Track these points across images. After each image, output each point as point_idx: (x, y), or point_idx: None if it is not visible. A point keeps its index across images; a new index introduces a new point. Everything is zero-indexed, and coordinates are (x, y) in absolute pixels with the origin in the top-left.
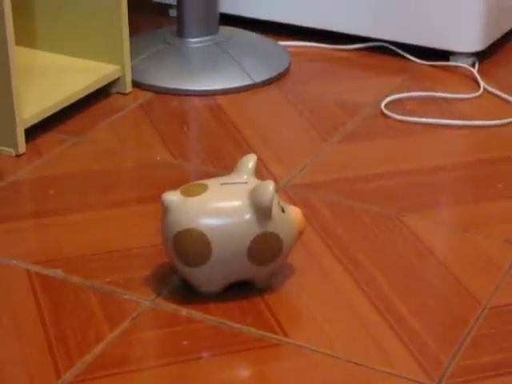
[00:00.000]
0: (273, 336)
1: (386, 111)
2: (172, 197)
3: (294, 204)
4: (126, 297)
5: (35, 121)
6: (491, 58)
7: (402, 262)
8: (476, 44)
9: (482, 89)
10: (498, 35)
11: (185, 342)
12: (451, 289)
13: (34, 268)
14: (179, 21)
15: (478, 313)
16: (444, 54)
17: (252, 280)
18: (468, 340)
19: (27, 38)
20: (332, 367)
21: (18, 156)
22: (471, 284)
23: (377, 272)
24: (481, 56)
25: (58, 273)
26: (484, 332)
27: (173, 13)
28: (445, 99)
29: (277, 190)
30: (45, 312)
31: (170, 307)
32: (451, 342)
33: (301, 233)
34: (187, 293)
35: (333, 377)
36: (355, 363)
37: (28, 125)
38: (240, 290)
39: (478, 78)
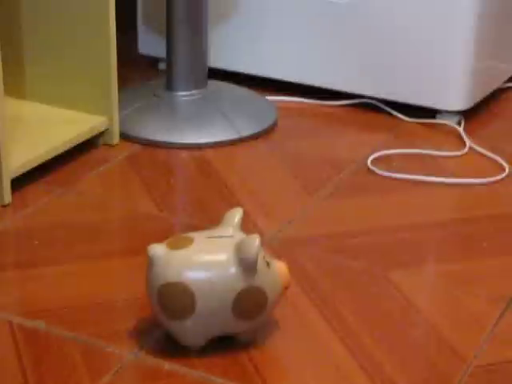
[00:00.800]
0: None
1: (372, 167)
2: (157, 249)
3: (280, 259)
4: (109, 349)
5: (22, 171)
6: (477, 116)
7: (387, 319)
8: (462, 103)
9: (467, 147)
10: (484, 94)
11: None
12: (436, 346)
13: (17, 319)
14: (168, 74)
15: (462, 371)
16: (430, 112)
17: (236, 334)
18: None
19: (15, 89)
20: None
21: (3, 206)
22: (456, 342)
23: (362, 328)
24: (467, 114)
25: (40, 324)
26: None
27: (162, 66)
28: (431, 157)
29: (262, 244)
30: (26, 363)
31: (153, 361)
32: None
33: (286, 288)
34: (170, 346)
35: None
36: None
37: (14, 175)
38: (224, 344)
39: (464, 136)
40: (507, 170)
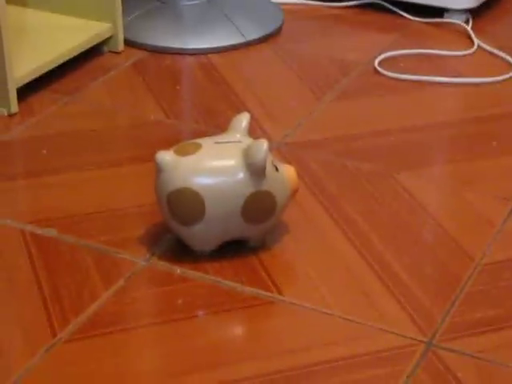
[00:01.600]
0: (267, 294)
1: (379, 69)
2: (165, 156)
3: (288, 163)
4: (121, 256)
5: (27, 80)
6: (485, 15)
7: (396, 220)
8: (470, 0)
9: (475, 46)
10: None
11: (179, 301)
12: (444, 246)
13: (28, 227)
14: None
15: (471, 269)
16: (438, 11)
17: (246, 238)
18: (461, 296)
19: None
20: (326, 324)
21: (10, 115)
22: (464, 241)
23: (370, 229)
24: (475, 13)
25: (52, 232)
26: (477, 288)
27: None
28: (439, 56)
29: (270, 149)
30: (39, 271)
31: (165, 266)
32: (444, 298)
33: (295, 191)
34: (181, 252)
35: (326, 334)
36: (349, 320)
37: (20, 84)
38: (234, 248)
39: (472, 35)
40: None
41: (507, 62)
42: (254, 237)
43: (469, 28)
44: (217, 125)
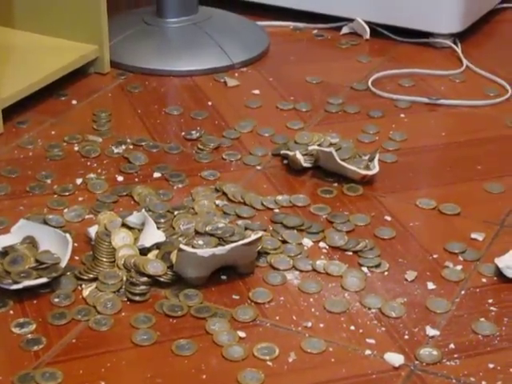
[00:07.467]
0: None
1: (369, 90)
2: None
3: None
4: None
5: (13, 101)
6: (471, 39)
7: (380, 244)
8: (456, 25)
9: (464, 67)
10: (477, 16)
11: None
12: (429, 270)
13: None
14: (158, 1)
15: (455, 294)
16: (424, 35)
17: (236, 266)
18: (445, 321)
19: (4, 18)
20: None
21: None
22: (450, 265)
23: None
24: (460, 37)
25: None
26: (461, 313)
27: None
28: (426, 78)
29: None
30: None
31: (152, 288)
32: (429, 322)
33: None
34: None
35: (310, 357)
36: (333, 343)
37: (6, 105)
38: (223, 273)
39: (461, 56)
40: (510, 92)
41: (495, 86)
42: (243, 265)
43: (459, 50)
44: (202, 146)
